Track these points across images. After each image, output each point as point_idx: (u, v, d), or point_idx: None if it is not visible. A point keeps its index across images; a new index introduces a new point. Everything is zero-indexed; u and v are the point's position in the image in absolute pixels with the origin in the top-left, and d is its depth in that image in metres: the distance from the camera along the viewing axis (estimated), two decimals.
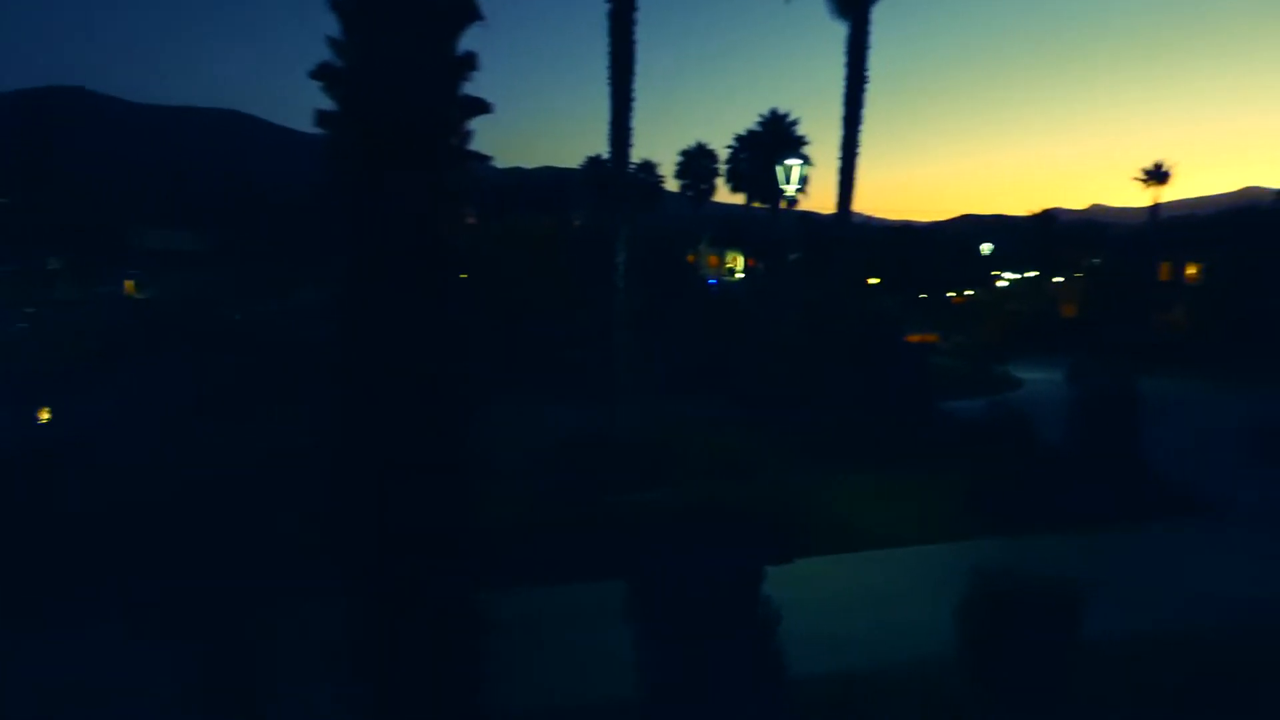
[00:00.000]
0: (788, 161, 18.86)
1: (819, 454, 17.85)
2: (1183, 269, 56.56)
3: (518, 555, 11.19)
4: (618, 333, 14.69)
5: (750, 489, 13.65)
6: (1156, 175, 59.51)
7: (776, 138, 48.72)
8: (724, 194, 59.95)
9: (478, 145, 5.10)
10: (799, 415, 20.27)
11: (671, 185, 68.88)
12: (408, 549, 5.14)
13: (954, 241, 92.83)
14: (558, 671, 8.78)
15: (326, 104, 4.83)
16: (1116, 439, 16.29)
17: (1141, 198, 61.42)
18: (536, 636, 9.33)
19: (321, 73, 4.78)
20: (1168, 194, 60.49)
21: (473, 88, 4.97)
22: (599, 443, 14.97)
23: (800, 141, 49.81)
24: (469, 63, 4.83)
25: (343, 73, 4.80)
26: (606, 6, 13.88)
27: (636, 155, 16.13)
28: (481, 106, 4.94)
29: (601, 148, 14.84)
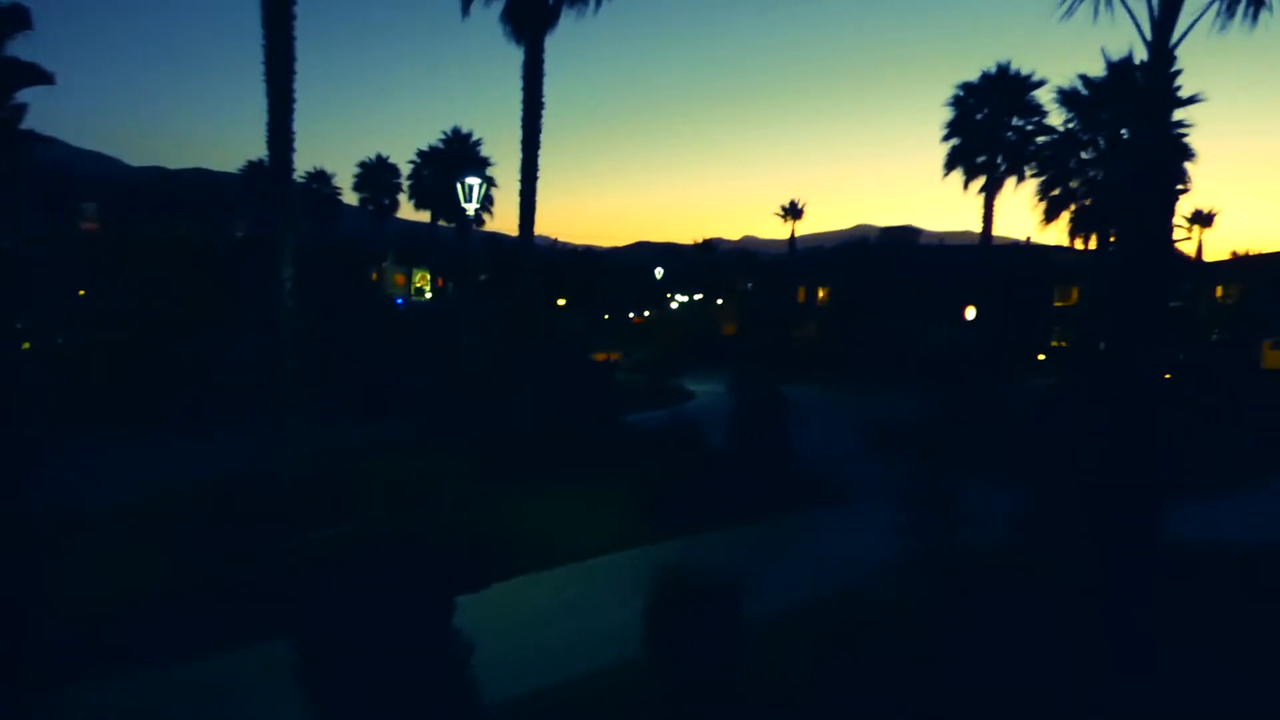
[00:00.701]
0: (468, 180, 18.63)
1: (508, 473, 17.80)
2: (815, 293, 66.34)
3: (139, 629, 9.44)
4: (283, 355, 13.13)
5: (437, 516, 13.07)
6: (793, 211, 69.16)
7: (460, 156, 48.30)
8: (409, 210, 58.08)
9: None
10: (487, 435, 20.06)
11: (350, 198, 65.15)
12: None
13: (632, 265, 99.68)
14: None
15: None
16: (770, 441, 18.40)
17: (783, 230, 70.73)
18: None
19: None
20: (802, 228, 70.56)
21: (50, 59, 4.03)
22: (258, 480, 13.23)
23: (484, 161, 49.92)
24: (13, 18, 3.89)
25: None
26: None
27: (310, 164, 14.72)
28: (37, 75, 4.01)
29: (264, 151, 13.34)
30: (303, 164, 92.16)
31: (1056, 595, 9.36)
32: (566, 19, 19.50)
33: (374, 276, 75.00)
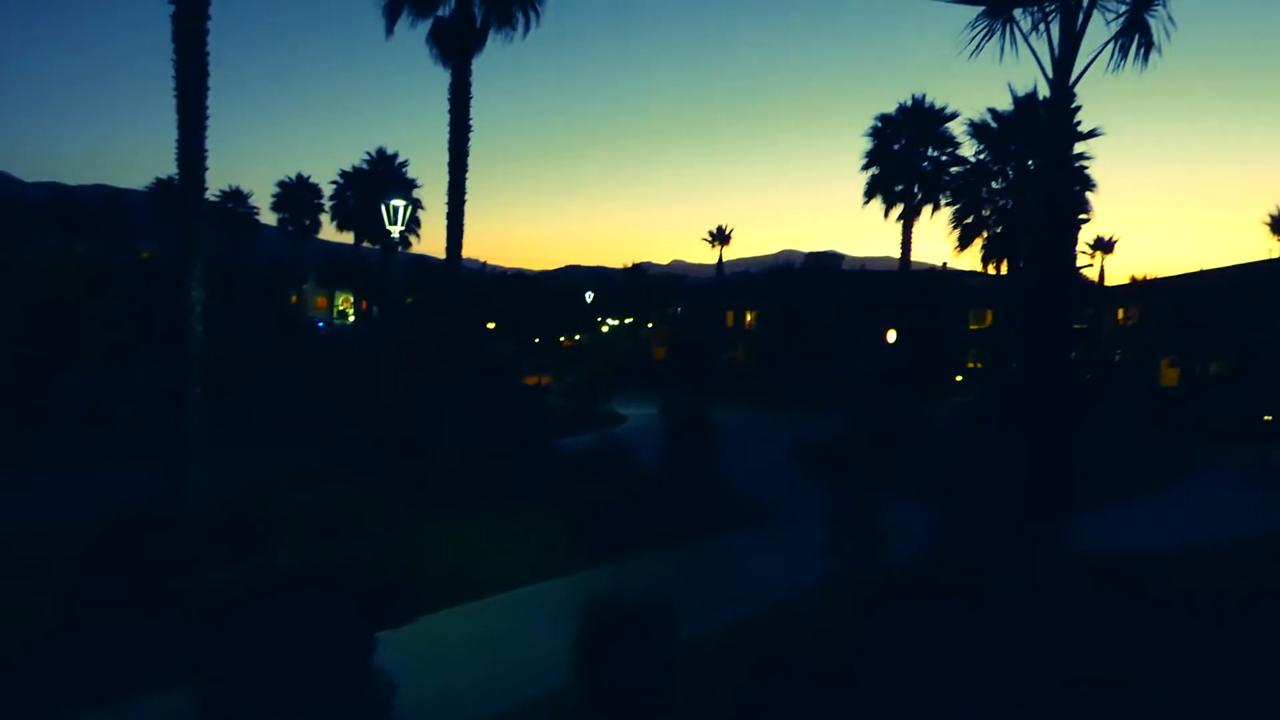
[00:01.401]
0: (393, 202, 18.26)
1: (434, 501, 17.36)
2: (743, 316, 67.41)
3: (18, 683, 8.70)
4: (191, 382, 12.47)
5: (360, 547, 12.62)
6: (720, 236, 70.34)
7: (385, 177, 47.56)
8: (331, 231, 56.65)
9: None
10: (412, 462, 19.56)
11: (269, 218, 63.28)
12: None
13: (562, 289, 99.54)
14: None
15: None
16: (699, 464, 18.48)
17: (710, 255, 71.89)
18: None
19: None
20: (729, 253, 71.82)
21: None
22: (161, 514, 12.49)
23: (409, 183, 49.27)
24: None
25: None
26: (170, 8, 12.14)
27: (226, 182, 14.11)
28: None
29: (174, 168, 12.78)
30: (217, 182, 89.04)
31: (973, 609, 9.63)
32: (494, 43, 19.52)
33: (294, 299, 72.83)
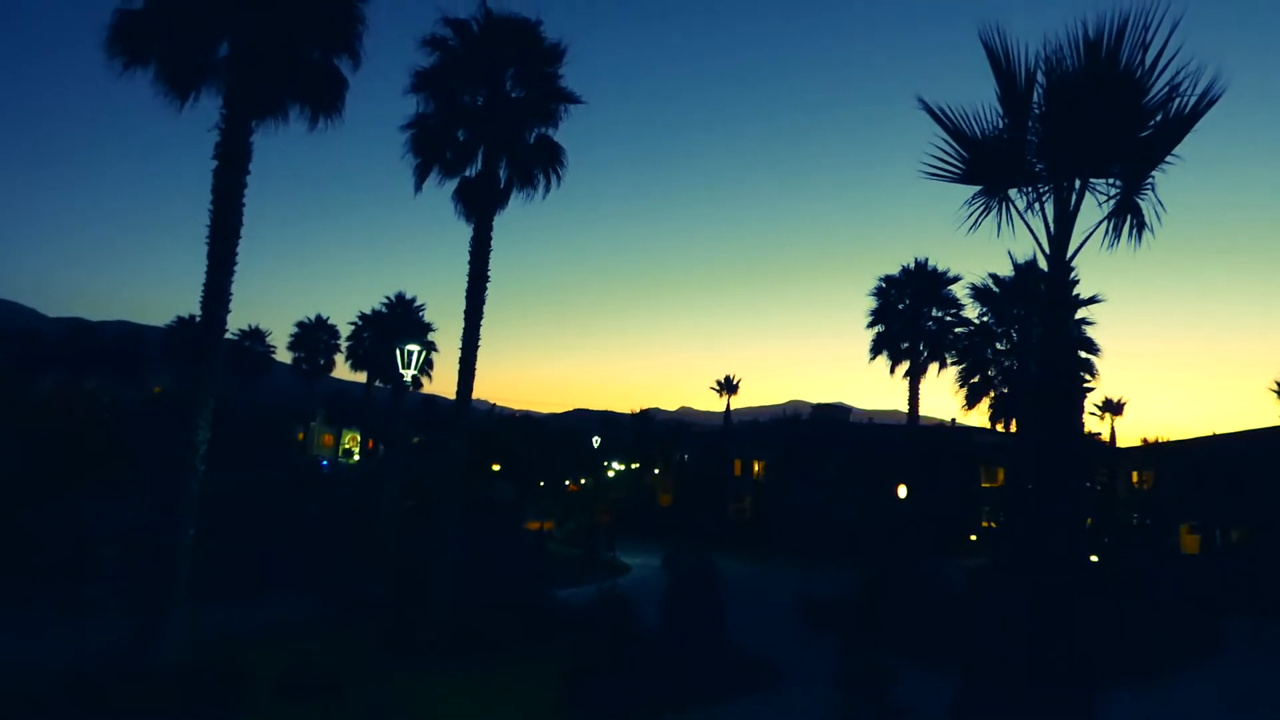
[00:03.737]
0: (408, 346, 18.68)
1: (425, 655, 16.61)
2: (750, 465, 66.90)
3: None
4: (186, 524, 12.17)
5: (346, 710, 11.90)
6: (728, 386, 70.93)
7: (401, 319, 48.77)
8: (345, 371, 57.51)
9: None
10: (405, 610, 18.85)
11: (285, 356, 64.47)
12: None
13: (569, 432, 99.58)
14: None
15: None
16: (704, 620, 17.71)
17: (718, 403, 72.28)
18: None
19: None
20: (737, 402, 72.13)
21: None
22: (134, 667, 11.75)
23: (425, 326, 50.45)
24: None
25: None
26: (212, 164, 12.93)
27: (246, 321, 14.36)
28: None
29: (195, 307, 13.18)
30: (237, 321, 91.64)
31: None
32: (515, 201, 20.52)
33: (300, 436, 72.98)
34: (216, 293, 12.88)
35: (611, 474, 78.66)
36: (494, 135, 19.88)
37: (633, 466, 78.77)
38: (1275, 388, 51.46)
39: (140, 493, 23.02)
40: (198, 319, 13.21)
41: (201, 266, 13.05)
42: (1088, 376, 26.57)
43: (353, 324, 53.90)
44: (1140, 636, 21.92)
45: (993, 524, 53.83)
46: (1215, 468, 42.47)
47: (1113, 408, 56.93)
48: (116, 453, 24.43)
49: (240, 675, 12.59)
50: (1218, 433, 49.27)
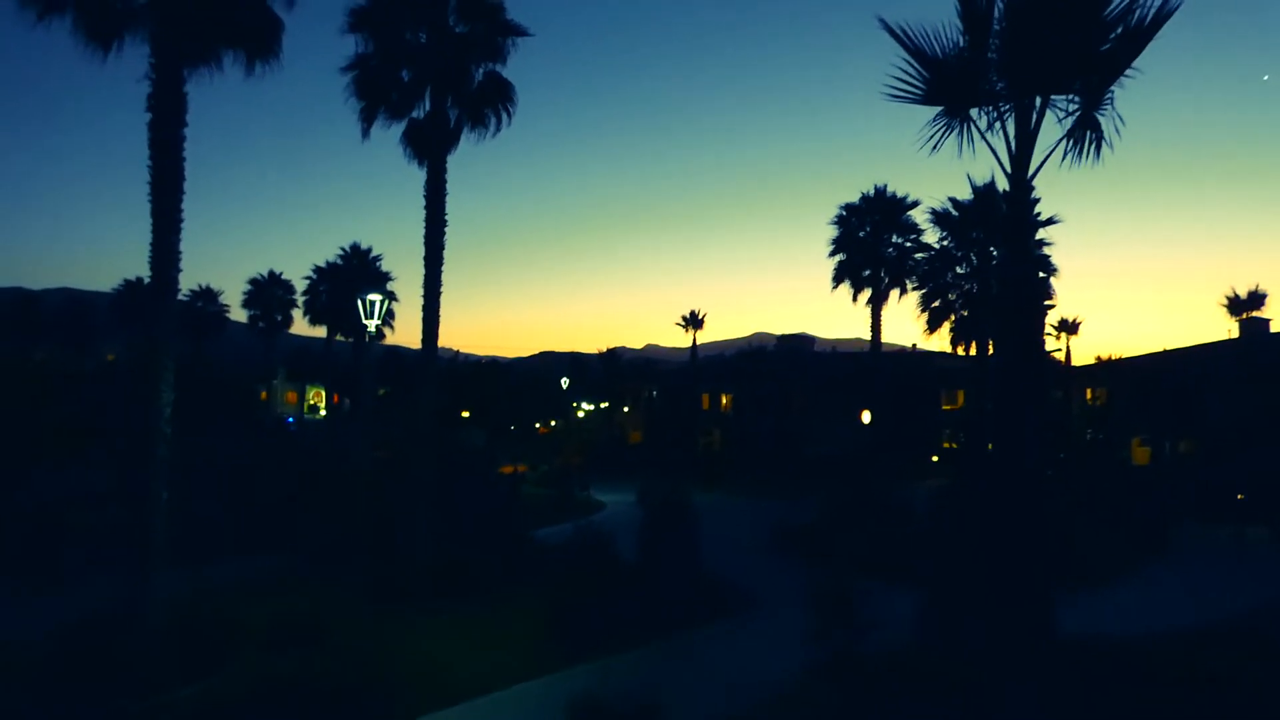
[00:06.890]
0: (369, 296, 18.34)
1: (406, 601, 16.78)
2: (718, 400, 67.59)
3: None
4: (158, 488, 11.99)
5: (328, 657, 12.01)
6: (694, 321, 71.01)
7: (359, 271, 47.66)
8: (303, 326, 56.34)
9: None
10: (383, 560, 18.96)
11: (240, 315, 62.93)
12: None
13: (537, 375, 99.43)
14: None
15: None
16: (679, 552, 18.12)
17: (684, 339, 72.46)
18: None
19: None
20: (703, 337, 72.30)
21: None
22: (120, 626, 11.77)
23: (384, 276, 49.45)
24: None
25: None
26: (146, 118, 12.30)
27: (196, 281, 13.92)
28: None
29: (142, 270, 12.71)
30: (187, 282, 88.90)
31: (961, 698, 9.34)
32: (467, 141, 19.99)
33: (264, 395, 71.92)
34: (165, 252, 12.42)
35: (581, 414, 79.05)
36: (440, 74, 19.23)
37: (602, 406, 79.14)
38: (1225, 302, 52.99)
39: (108, 462, 22.58)
40: (147, 281, 12.77)
41: (147, 227, 12.56)
42: (1047, 299, 27.04)
43: (308, 278, 52.53)
44: (1094, 544, 22.99)
45: (954, 445, 55.33)
46: (1165, 383, 43.87)
47: (1068, 327, 58.25)
48: (75, 424, 23.89)
49: (229, 626, 12.68)
50: (1169, 349, 50.71)
